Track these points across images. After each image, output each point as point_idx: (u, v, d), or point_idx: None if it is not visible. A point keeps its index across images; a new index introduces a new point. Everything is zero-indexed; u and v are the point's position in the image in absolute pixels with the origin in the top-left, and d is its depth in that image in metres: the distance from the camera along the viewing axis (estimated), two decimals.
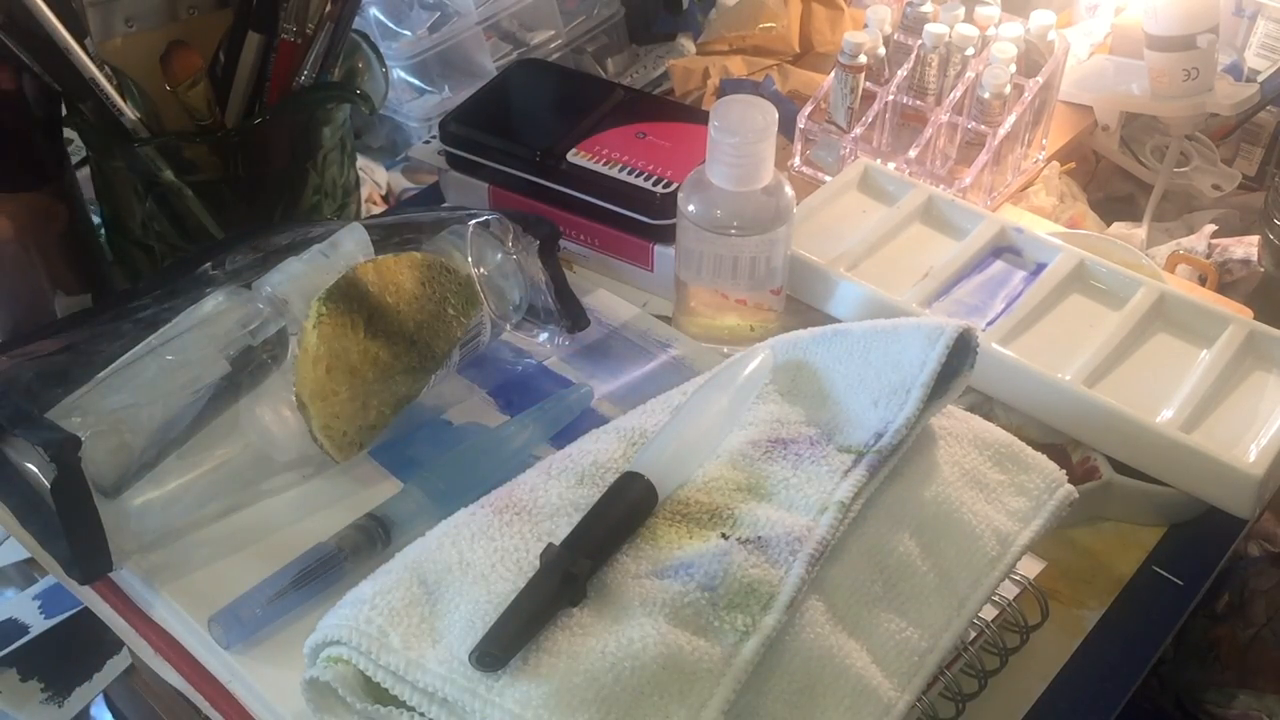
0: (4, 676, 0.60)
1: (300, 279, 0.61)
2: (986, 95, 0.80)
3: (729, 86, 0.93)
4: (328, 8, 0.69)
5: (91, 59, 0.65)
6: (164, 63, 0.67)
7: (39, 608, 0.63)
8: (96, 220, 0.77)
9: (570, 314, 0.71)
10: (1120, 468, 0.65)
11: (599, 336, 0.73)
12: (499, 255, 0.67)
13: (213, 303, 0.61)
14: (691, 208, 0.68)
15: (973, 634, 0.55)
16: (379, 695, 0.46)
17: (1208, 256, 0.81)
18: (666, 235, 0.75)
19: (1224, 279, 0.80)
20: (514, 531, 0.50)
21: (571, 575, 0.46)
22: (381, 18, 0.99)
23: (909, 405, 0.53)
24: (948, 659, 0.51)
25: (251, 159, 0.71)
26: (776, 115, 0.66)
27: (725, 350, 0.72)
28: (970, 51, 0.82)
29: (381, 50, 0.76)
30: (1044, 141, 0.87)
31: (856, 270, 0.73)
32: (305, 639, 0.47)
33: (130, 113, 0.67)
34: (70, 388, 0.57)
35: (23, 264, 0.71)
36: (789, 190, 0.69)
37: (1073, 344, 0.68)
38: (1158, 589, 0.63)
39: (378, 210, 0.94)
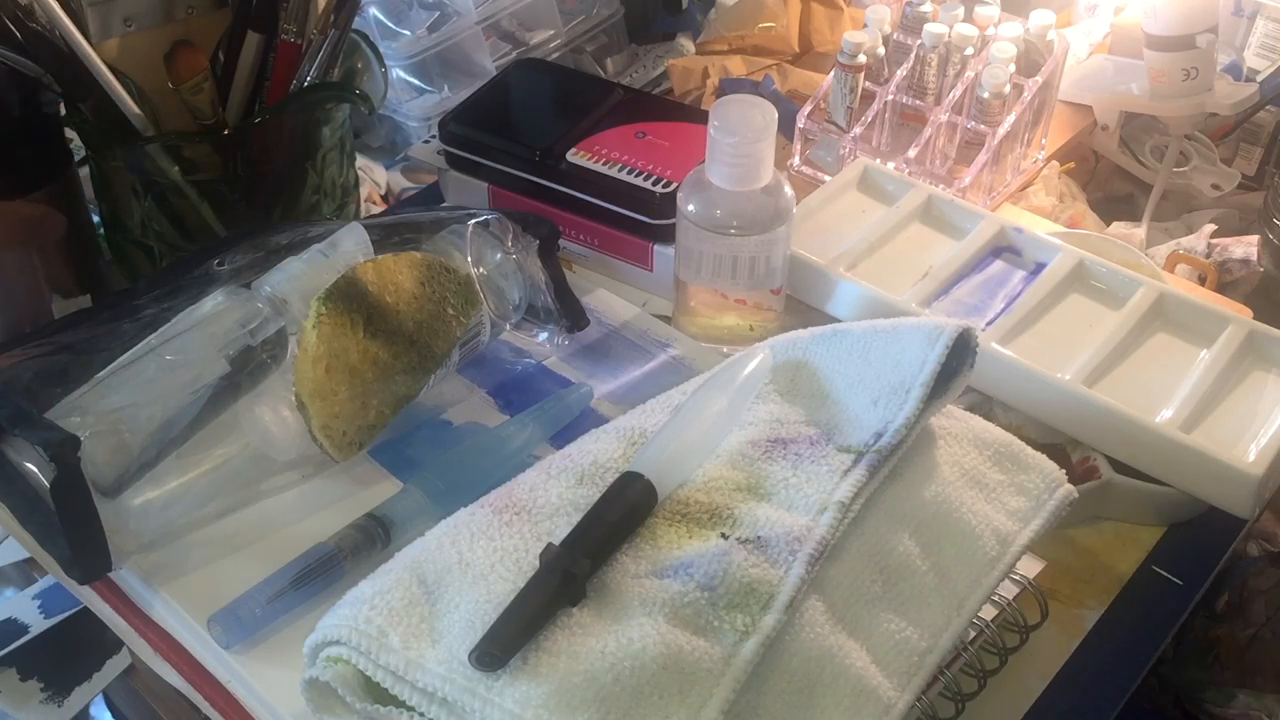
0: (3, 676, 0.60)
1: (300, 279, 0.61)
2: (986, 95, 0.80)
3: (728, 86, 0.93)
4: (331, 17, 0.69)
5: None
6: (168, 62, 0.67)
7: (38, 607, 0.63)
8: (96, 219, 0.77)
9: (570, 314, 0.71)
10: (1120, 467, 0.65)
11: (599, 336, 0.73)
12: (498, 255, 0.67)
13: (212, 302, 0.61)
14: (691, 207, 0.68)
15: (972, 634, 0.55)
16: (379, 695, 0.46)
17: (1207, 256, 0.81)
18: (666, 235, 0.75)
19: (1223, 279, 0.80)
20: (514, 531, 0.50)
21: (571, 575, 0.46)
22: (381, 17, 0.99)
23: (909, 405, 0.53)
24: (947, 659, 0.51)
25: (251, 158, 0.71)
26: (776, 115, 0.66)
27: (725, 350, 0.72)
28: (970, 51, 0.82)
29: (381, 50, 0.76)
30: (1043, 141, 0.87)
31: (856, 270, 0.73)
32: (305, 639, 0.47)
33: (140, 112, 0.67)
34: (70, 387, 0.57)
35: (21, 267, 0.71)
36: (788, 190, 0.69)
37: (1072, 344, 0.68)
38: (1157, 589, 0.63)
39: (377, 210, 0.94)
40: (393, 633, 0.45)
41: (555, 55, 1.05)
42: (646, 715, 0.43)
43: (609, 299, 0.76)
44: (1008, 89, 0.80)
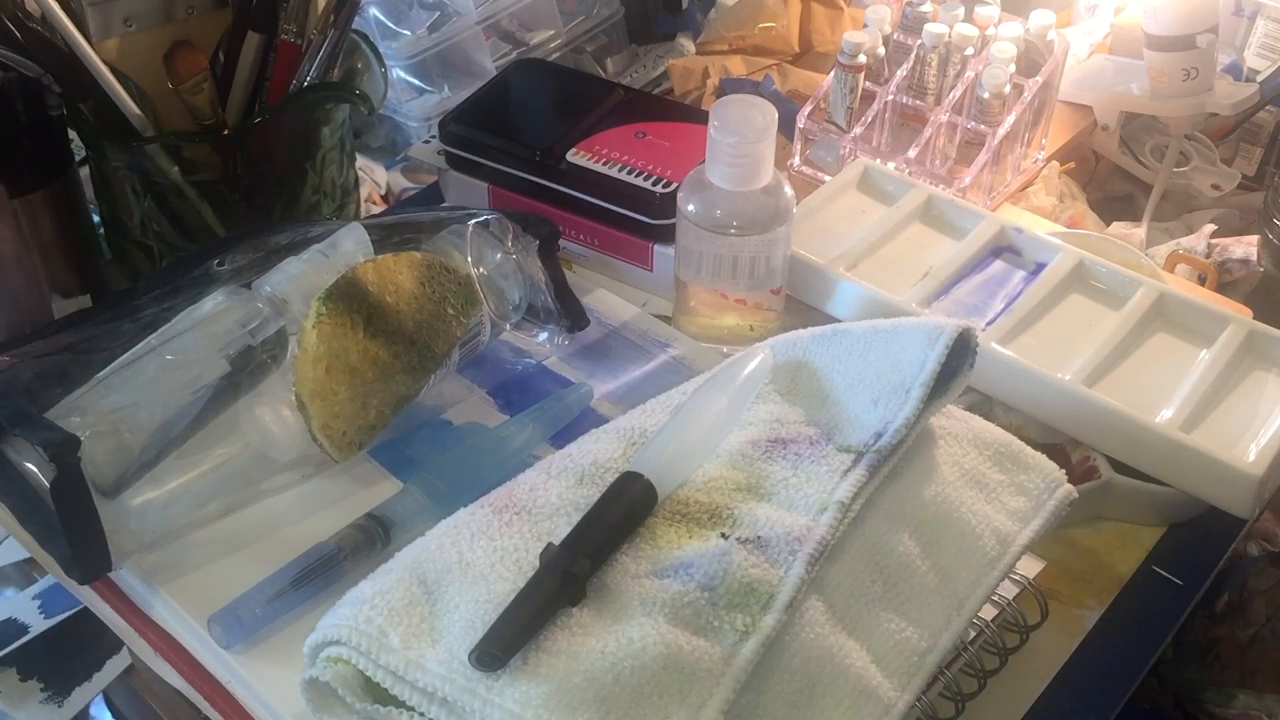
0: (3, 676, 0.60)
1: (300, 279, 0.61)
2: (986, 95, 0.80)
3: (729, 86, 0.93)
4: (331, 17, 0.69)
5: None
6: (168, 62, 0.67)
7: (38, 607, 0.63)
8: (96, 219, 0.77)
9: (570, 314, 0.71)
10: (1120, 467, 0.65)
11: (599, 336, 0.73)
12: (499, 255, 0.67)
13: (212, 302, 0.61)
14: (691, 207, 0.68)
15: (972, 634, 0.55)
16: (379, 695, 0.46)
17: (1207, 256, 0.81)
18: (666, 235, 0.75)
19: (1223, 279, 0.80)
20: (514, 531, 0.50)
21: (571, 575, 0.46)
22: (381, 17, 0.99)
23: (909, 405, 0.53)
24: (947, 659, 0.51)
25: (251, 158, 0.71)
26: (776, 115, 0.66)
27: (725, 350, 0.72)
28: (970, 51, 0.82)
29: (381, 50, 0.76)
30: (1043, 141, 0.87)
31: (856, 270, 0.73)
32: (305, 639, 0.47)
33: (140, 112, 0.67)
34: (70, 388, 0.57)
35: (22, 267, 0.71)
36: (788, 190, 0.69)
37: (1072, 344, 0.68)
38: (1157, 589, 0.63)
39: (377, 210, 0.94)
40: (393, 633, 0.45)
41: (555, 55, 1.05)
42: (646, 715, 0.43)
43: (609, 299, 0.76)
44: (1008, 89, 0.80)
